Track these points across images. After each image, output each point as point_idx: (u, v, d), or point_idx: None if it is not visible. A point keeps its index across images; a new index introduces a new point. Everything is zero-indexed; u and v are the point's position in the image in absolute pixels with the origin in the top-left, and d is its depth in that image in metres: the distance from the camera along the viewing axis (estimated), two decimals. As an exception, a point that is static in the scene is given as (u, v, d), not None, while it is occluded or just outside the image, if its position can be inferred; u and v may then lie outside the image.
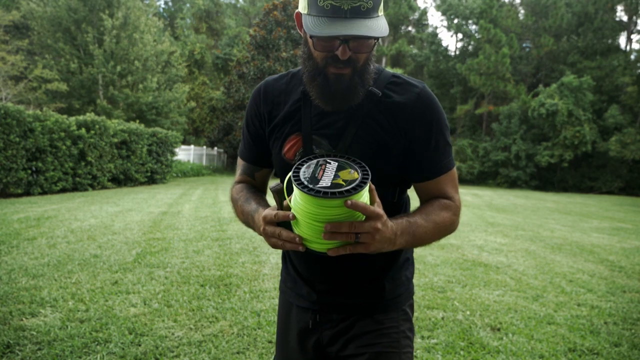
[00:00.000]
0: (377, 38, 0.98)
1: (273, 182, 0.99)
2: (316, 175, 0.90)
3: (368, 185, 0.88)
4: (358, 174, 0.90)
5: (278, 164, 1.19)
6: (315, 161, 0.95)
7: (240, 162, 1.31)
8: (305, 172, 0.91)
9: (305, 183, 0.87)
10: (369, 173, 0.90)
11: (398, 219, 0.99)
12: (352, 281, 1.19)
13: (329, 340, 1.21)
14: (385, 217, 0.90)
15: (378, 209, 0.88)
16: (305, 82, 1.11)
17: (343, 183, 0.87)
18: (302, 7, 1.01)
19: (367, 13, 0.96)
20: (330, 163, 0.93)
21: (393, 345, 1.17)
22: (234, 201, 1.24)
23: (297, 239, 0.92)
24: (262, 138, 1.23)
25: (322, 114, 1.12)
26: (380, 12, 1.00)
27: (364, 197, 0.89)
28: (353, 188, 0.85)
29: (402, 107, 1.10)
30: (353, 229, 0.86)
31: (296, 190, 0.89)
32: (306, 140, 1.13)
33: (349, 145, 1.09)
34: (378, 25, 0.97)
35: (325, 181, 0.88)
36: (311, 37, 1.00)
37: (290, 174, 0.92)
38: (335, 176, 0.89)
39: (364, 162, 1.05)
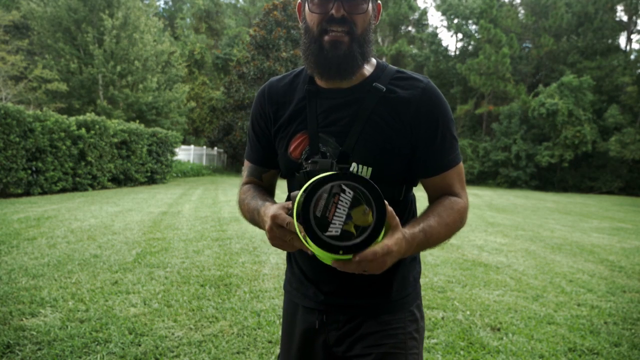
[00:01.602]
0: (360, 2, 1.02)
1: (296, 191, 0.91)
2: (327, 214, 0.83)
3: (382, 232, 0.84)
4: (373, 215, 0.83)
5: (284, 163, 1.19)
6: (329, 187, 0.84)
7: (246, 165, 1.30)
8: (315, 206, 0.83)
9: (314, 226, 0.82)
10: (385, 208, 0.83)
11: (415, 229, 0.99)
12: (359, 282, 1.18)
13: (336, 340, 1.20)
14: (394, 247, 0.86)
15: (388, 244, 0.85)
16: (303, 58, 1.12)
17: (354, 232, 0.82)
18: None
19: None
20: (344, 192, 0.84)
21: (399, 347, 1.17)
22: (241, 201, 1.23)
23: (308, 251, 0.89)
24: (268, 139, 1.23)
25: (328, 111, 1.13)
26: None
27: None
28: (364, 242, 0.81)
29: (407, 102, 1.10)
30: (360, 270, 0.86)
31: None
32: (313, 138, 1.12)
33: (355, 143, 1.09)
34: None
35: (336, 226, 0.82)
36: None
37: (298, 198, 0.85)
38: (348, 217, 0.83)
39: (371, 160, 1.05)
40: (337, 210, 0.83)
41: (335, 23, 1.02)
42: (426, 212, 1.10)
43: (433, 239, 1.04)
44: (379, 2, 1.08)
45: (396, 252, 0.88)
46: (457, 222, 1.10)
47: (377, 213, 0.83)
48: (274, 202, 1.10)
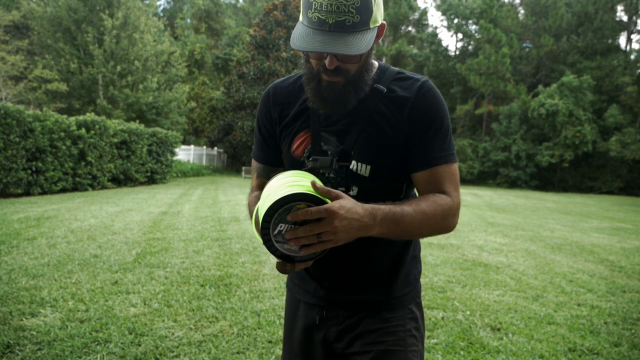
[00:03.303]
0: (352, 55, 1.00)
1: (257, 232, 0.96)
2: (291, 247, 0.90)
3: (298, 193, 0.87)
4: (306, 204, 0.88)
5: (288, 161, 1.22)
6: (270, 236, 0.90)
7: (255, 165, 1.34)
8: (282, 248, 0.91)
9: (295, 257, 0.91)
10: (302, 192, 0.87)
11: (381, 205, 0.98)
12: (360, 278, 1.20)
13: (336, 336, 1.22)
14: (341, 210, 0.87)
15: (329, 205, 0.87)
16: (303, 84, 1.15)
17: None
18: (300, 14, 1.05)
19: (353, 27, 0.97)
20: (273, 224, 0.90)
21: (399, 344, 1.18)
22: (250, 212, 1.28)
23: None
24: (274, 139, 1.26)
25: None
26: (373, 24, 1.01)
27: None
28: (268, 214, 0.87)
29: (405, 99, 1.12)
30: (309, 232, 0.87)
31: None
32: (314, 137, 1.15)
33: (356, 141, 1.11)
34: (360, 41, 0.97)
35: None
36: None
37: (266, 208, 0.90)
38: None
39: (370, 158, 1.09)
40: (288, 232, 0.88)
41: (330, 72, 1.05)
42: (403, 201, 1.08)
43: (405, 223, 0.99)
44: (384, 22, 1.07)
45: (346, 213, 0.88)
46: (437, 215, 1.05)
47: (304, 197, 0.87)
48: None
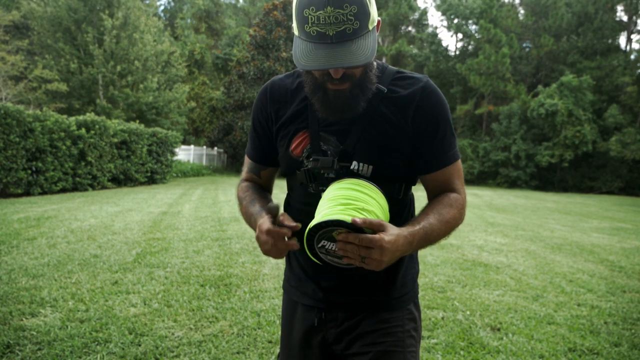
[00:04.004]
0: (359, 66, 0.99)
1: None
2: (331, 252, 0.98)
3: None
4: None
5: (286, 161, 1.20)
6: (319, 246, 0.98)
7: (247, 160, 1.34)
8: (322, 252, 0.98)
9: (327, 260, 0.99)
10: (345, 220, 0.92)
11: (415, 227, 1.02)
12: (358, 278, 1.19)
13: (334, 338, 1.21)
14: (387, 244, 0.91)
15: (378, 236, 0.91)
16: (307, 94, 1.13)
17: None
18: (294, 28, 1.02)
19: (354, 34, 0.96)
20: (322, 242, 0.98)
21: (398, 345, 1.18)
22: (240, 200, 1.28)
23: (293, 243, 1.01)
24: (268, 137, 1.25)
25: None
26: (372, 25, 0.99)
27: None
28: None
29: (408, 100, 1.12)
30: (356, 253, 0.92)
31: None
32: (314, 137, 1.14)
33: (357, 142, 1.11)
34: (364, 47, 0.96)
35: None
36: None
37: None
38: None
39: (372, 158, 1.10)
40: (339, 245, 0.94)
41: (336, 81, 1.04)
42: (425, 210, 1.11)
43: (433, 236, 1.06)
44: (379, 19, 1.07)
45: (392, 247, 0.92)
46: (456, 219, 1.12)
47: (345, 225, 0.92)
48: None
